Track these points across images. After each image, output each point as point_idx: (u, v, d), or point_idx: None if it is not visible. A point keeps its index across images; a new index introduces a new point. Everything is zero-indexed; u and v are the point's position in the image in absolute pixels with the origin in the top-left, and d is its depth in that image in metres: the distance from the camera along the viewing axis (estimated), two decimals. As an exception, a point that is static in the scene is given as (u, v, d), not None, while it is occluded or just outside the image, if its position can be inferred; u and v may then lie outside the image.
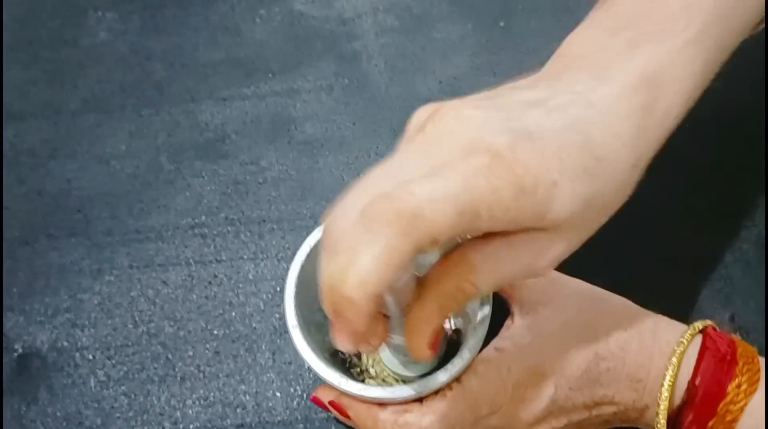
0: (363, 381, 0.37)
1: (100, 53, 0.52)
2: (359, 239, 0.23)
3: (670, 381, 0.31)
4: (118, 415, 0.40)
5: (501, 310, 0.34)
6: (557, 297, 0.34)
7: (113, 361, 0.42)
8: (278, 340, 0.42)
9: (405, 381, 0.35)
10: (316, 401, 0.36)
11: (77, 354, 0.42)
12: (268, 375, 0.41)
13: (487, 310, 0.32)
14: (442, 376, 0.31)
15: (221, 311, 0.43)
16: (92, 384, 0.41)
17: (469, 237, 0.27)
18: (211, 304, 0.43)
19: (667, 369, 0.31)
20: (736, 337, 0.33)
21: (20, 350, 0.42)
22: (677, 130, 0.46)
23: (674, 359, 0.31)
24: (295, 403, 0.40)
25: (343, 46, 0.51)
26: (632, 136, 0.27)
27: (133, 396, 0.41)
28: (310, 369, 0.35)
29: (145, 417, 0.40)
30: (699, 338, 0.32)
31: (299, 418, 0.40)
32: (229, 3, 0.53)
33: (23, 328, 0.43)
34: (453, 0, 0.51)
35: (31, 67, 0.51)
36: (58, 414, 0.41)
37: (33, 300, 0.44)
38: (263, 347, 0.42)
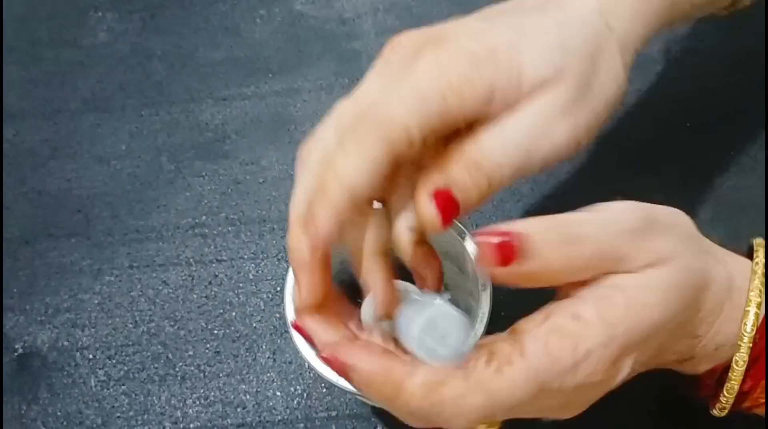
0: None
1: (100, 53, 0.52)
2: (335, 153, 0.27)
3: (750, 335, 0.27)
4: (118, 414, 0.40)
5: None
6: (665, 254, 0.26)
7: (114, 361, 0.42)
8: (278, 340, 0.42)
9: None
10: (298, 328, 0.28)
11: (77, 354, 0.42)
12: (268, 374, 0.41)
13: (485, 308, 0.32)
14: None
15: (221, 311, 0.43)
16: (93, 383, 0.41)
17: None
18: (212, 303, 0.43)
19: (746, 316, 0.27)
20: None
21: (21, 350, 0.42)
22: (677, 131, 0.46)
23: (753, 304, 0.27)
24: (295, 402, 0.40)
25: (343, 46, 0.51)
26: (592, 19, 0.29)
27: (133, 395, 0.41)
28: (310, 368, 0.35)
29: (145, 416, 0.40)
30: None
31: (299, 417, 0.40)
32: (229, 3, 0.53)
33: (24, 327, 0.43)
34: (454, 0, 0.51)
35: (32, 67, 0.52)
36: (59, 413, 0.41)
37: (33, 300, 0.44)
38: (264, 347, 0.42)
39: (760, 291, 0.27)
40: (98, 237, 0.45)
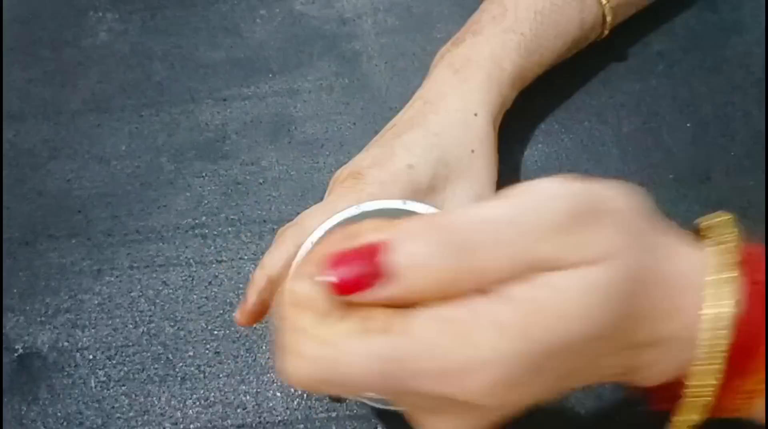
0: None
1: (100, 53, 0.52)
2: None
3: (709, 330, 0.22)
4: (118, 415, 0.40)
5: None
6: (600, 252, 0.22)
7: (114, 362, 0.42)
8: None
9: None
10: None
11: (78, 354, 0.42)
12: (268, 375, 0.41)
13: None
14: None
15: (222, 311, 0.43)
16: (93, 384, 0.41)
17: None
18: (212, 304, 0.43)
19: (705, 318, 0.23)
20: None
21: (21, 350, 0.42)
22: (678, 131, 0.46)
23: (712, 303, 0.22)
24: (295, 403, 0.40)
25: (343, 46, 0.51)
26: (456, 102, 0.39)
27: (133, 396, 0.41)
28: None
29: (145, 417, 0.40)
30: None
31: (300, 418, 0.40)
32: (230, 3, 0.53)
33: (24, 328, 0.43)
34: (453, 0, 0.51)
35: (32, 67, 0.51)
36: (59, 414, 0.41)
37: (33, 300, 0.44)
38: (264, 347, 0.42)
39: (716, 288, 0.23)
40: (98, 237, 0.45)
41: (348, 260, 0.20)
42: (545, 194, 0.21)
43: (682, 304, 0.23)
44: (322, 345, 0.20)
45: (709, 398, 0.23)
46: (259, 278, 0.35)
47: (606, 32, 0.44)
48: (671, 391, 0.24)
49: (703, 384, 0.23)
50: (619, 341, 0.22)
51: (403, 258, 0.20)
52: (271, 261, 0.35)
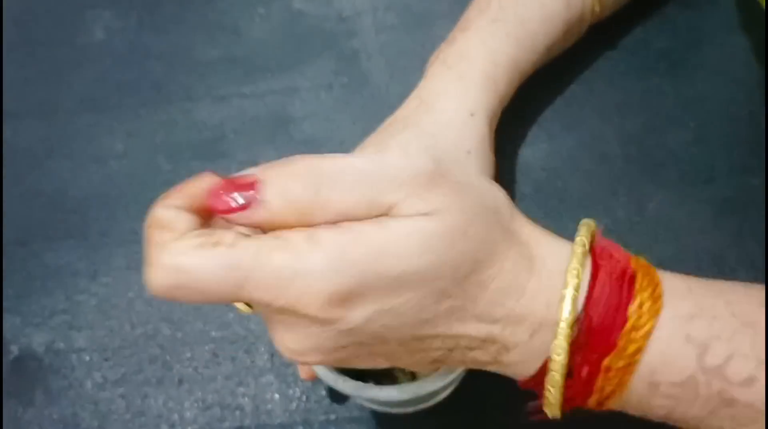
0: (361, 380, 0.37)
1: (97, 52, 0.51)
2: None
3: (571, 313, 0.24)
4: (115, 417, 0.40)
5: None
6: (441, 207, 0.25)
7: (110, 363, 0.41)
8: (277, 342, 0.41)
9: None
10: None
11: (74, 356, 0.42)
12: (266, 377, 0.41)
13: None
14: (439, 381, 0.31)
15: (219, 313, 0.42)
16: (89, 386, 0.41)
17: None
18: (209, 305, 0.43)
19: (563, 299, 0.25)
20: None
21: (16, 352, 0.42)
22: (681, 130, 0.45)
23: (570, 287, 0.25)
24: (293, 405, 0.40)
25: (342, 44, 0.50)
26: (453, 101, 0.39)
27: (130, 398, 0.40)
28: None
29: (142, 419, 0.40)
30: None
31: (298, 420, 0.39)
32: (228, 1, 0.53)
33: (19, 329, 0.43)
34: (453, -2, 0.51)
35: (28, 66, 0.51)
36: (55, 416, 0.40)
37: (29, 301, 0.43)
38: (261, 349, 0.41)
39: (578, 272, 0.25)
40: (95, 238, 0.45)
41: (229, 188, 0.24)
42: (411, 155, 0.25)
43: (534, 285, 0.25)
44: (177, 255, 0.23)
45: (565, 368, 0.25)
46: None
47: (597, 9, 0.43)
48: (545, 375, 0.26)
49: (560, 357, 0.25)
50: (462, 303, 0.24)
51: (270, 190, 0.23)
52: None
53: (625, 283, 0.25)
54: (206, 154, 0.47)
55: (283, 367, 0.41)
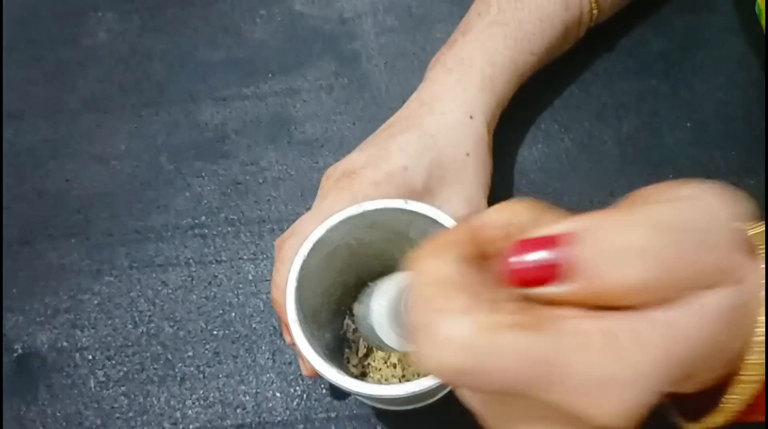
0: (361, 377, 0.37)
1: (99, 53, 0.52)
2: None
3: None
4: (117, 415, 0.40)
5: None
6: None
7: (113, 362, 0.42)
8: (278, 341, 0.42)
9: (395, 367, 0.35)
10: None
11: (77, 354, 0.42)
12: (267, 375, 0.41)
13: None
14: (438, 379, 0.31)
15: (221, 312, 0.43)
16: (92, 384, 0.41)
17: None
18: (211, 304, 0.43)
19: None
20: None
21: (20, 350, 0.42)
22: (678, 131, 0.46)
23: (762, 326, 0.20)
24: (294, 403, 0.40)
25: (343, 46, 0.51)
26: (452, 103, 0.39)
27: (132, 396, 0.41)
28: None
29: (144, 417, 0.40)
30: None
31: (299, 418, 0.40)
32: (229, 3, 0.53)
33: (23, 328, 0.43)
34: (453, 0, 0.51)
35: (31, 67, 0.51)
36: (58, 414, 0.41)
37: (33, 300, 0.44)
38: (263, 348, 0.42)
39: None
40: (98, 237, 0.45)
41: (530, 247, 0.18)
42: (717, 202, 0.19)
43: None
44: (477, 331, 0.17)
45: (742, 406, 0.22)
46: (281, 300, 0.33)
47: (595, 12, 0.44)
48: (705, 398, 0.23)
49: (742, 393, 0.21)
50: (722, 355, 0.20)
51: (594, 260, 0.17)
52: (282, 279, 0.34)
53: None
54: (208, 154, 0.48)
55: (284, 366, 0.41)
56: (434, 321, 0.18)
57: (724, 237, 0.18)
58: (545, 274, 0.18)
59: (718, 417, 0.23)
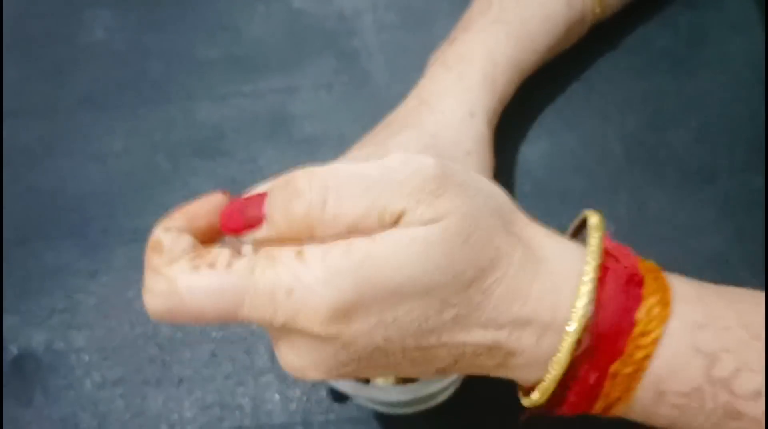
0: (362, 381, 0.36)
1: (96, 51, 0.51)
2: None
3: (584, 312, 0.24)
4: (114, 417, 0.40)
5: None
6: (445, 213, 0.24)
7: (109, 363, 0.41)
8: (277, 342, 0.41)
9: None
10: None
11: (73, 355, 0.42)
12: (266, 377, 0.40)
13: None
14: (440, 382, 0.31)
15: (219, 312, 0.42)
16: (88, 386, 0.41)
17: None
18: (209, 305, 0.42)
19: (574, 304, 0.24)
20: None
21: (15, 352, 0.42)
22: (683, 129, 0.45)
23: (586, 287, 0.24)
24: (293, 405, 0.40)
25: (342, 43, 0.50)
26: (453, 101, 0.39)
27: (129, 398, 0.40)
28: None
29: (141, 420, 0.40)
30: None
31: (298, 420, 0.39)
32: (227, 0, 0.53)
33: (18, 329, 0.42)
34: (454, -4, 0.51)
35: (28, 64, 0.51)
36: (54, 416, 0.40)
37: (28, 301, 0.43)
38: (261, 349, 0.41)
39: (593, 280, 0.24)
40: (94, 237, 0.45)
41: (235, 207, 0.25)
42: (415, 158, 0.24)
43: (536, 287, 0.24)
44: (165, 281, 0.23)
45: (570, 361, 0.25)
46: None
47: (598, 10, 0.43)
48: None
49: (567, 350, 0.24)
50: (466, 311, 0.24)
51: (275, 208, 0.24)
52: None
53: (633, 287, 0.25)
54: (206, 152, 0.47)
55: (282, 367, 0.41)
56: (146, 276, 0.24)
57: (410, 186, 0.23)
58: (244, 223, 0.24)
59: (545, 385, 0.25)
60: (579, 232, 0.29)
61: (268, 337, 0.41)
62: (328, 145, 0.47)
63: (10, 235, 0.45)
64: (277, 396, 0.40)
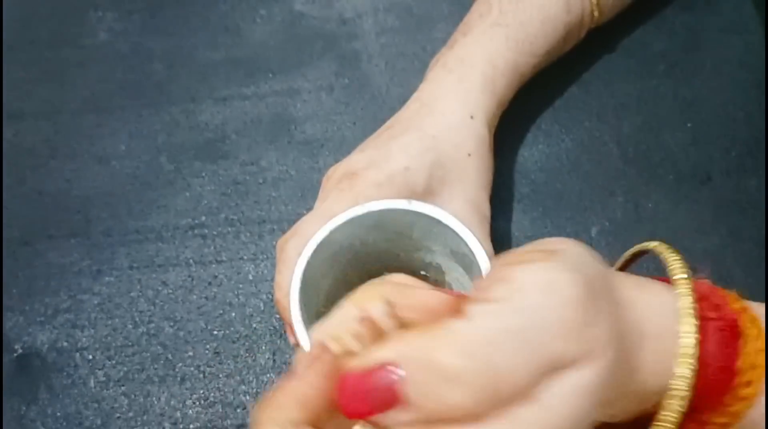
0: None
1: (100, 53, 0.52)
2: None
3: (687, 384, 0.22)
4: (118, 415, 0.40)
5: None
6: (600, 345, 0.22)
7: (113, 362, 0.42)
8: (278, 341, 0.42)
9: None
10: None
11: (77, 354, 0.42)
12: (268, 375, 0.41)
13: None
14: None
15: (221, 312, 0.43)
16: (92, 384, 0.41)
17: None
18: (211, 304, 0.43)
19: (677, 372, 0.22)
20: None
21: (20, 350, 0.42)
22: (679, 131, 0.46)
23: (687, 355, 0.22)
24: (295, 403, 0.40)
25: (343, 46, 0.51)
26: (453, 104, 0.39)
27: (133, 396, 0.41)
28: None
29: (145, 417, 0.40)
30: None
31: (299, 418, 0.40)
32: (230, 3, 0.53)
33: (23, 328, 0.43)
34: (453, 0, 0.51)
35: (32, 66, 0.51)
36: (58, 414, 0.41)
37: (33, 300, 0.44)
38: (263, 348, 0.42)
39: (694, 345, 0.22)
40: (98, 237, 0.45)
41: (358, 382, 0.19)
42: (542, 286, 0.20)
43: (648, 357, 0.23)
44: None
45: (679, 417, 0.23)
46: (284, 301, 0.33)
47: (597, 14, 0.44)
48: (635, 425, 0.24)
49: (670, 416, 0.23)
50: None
51: (420, 391, 0.18)
52: (285, 280, 0.34)
53: (734, 336, 0.23)
54: (208, 154, 0.48)
55: (284, 366, 0.41)
56: None
57: (565, 321, 0.19)
58: (376, 407, 0.18)
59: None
60: (634, 260, 0.28)
61: (269, 336, 0.42)
62: (328, 146, 0.47)
63: (15, 236, 0.46)
64: (278, 394, 0.40)
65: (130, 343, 0.42)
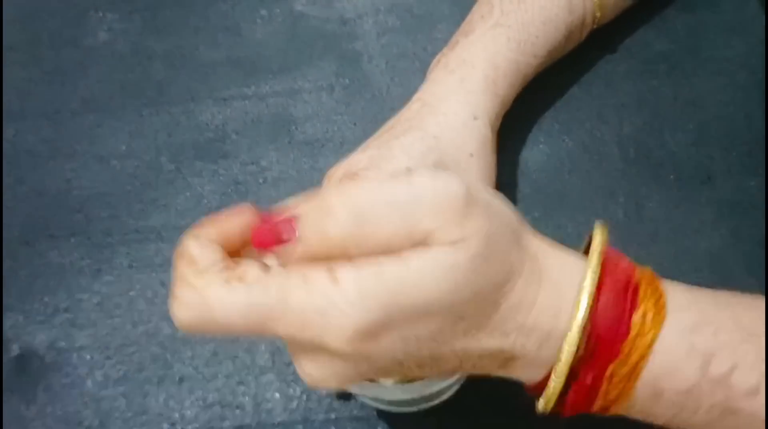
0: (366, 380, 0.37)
1: (100, 53, 0.52)
2: None
3: (582, 321, 0.25)
4: (116, 415, 0.40)
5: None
6: (470, 234, 0.25)
7: (112, 362, 0.42)
8: (277, 342, 0.41)
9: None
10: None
11: (76, 354, 0.42)
12: (267, 376, 0.41)
13: None
14: (444, 381, 0.31)
15: (221, 312, 0.43)
16: (91, 384, 0.41)
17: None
18: (211, 304, 0.43)
19: (576, 310, 0.25)
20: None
21: (19, 350, 0.42)
22: (680, 132, 0.46)
23: (585, 297, 0.25)
24: (294, 404, 0.40)
25: (344, 46, 0.51)
26: (455, 104, 0.39)
27: (131, 396, 0.41)
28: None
29: (143, 418, 0.40)
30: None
31: (298, 419, 0.40)
32: (230, 3, 0.53)
33: (22, 327, 0.43)
34: (454, 0, 0.51)
35: (32, 66, 0.51)
36: (57, 414, 0.40)
37: (32, 300, 0.44)
38: (262, 348, 0.41)
39: (592, 287, 0.26)
40: (97, 237, 0.45)
41: (267, 224, 0.25)
42: (441, 180, 0.24)
43: (541, 297, 0.26)
44: (195, 292, 0.24)
45: (571, 366, 0.26)
46: None
47: (599, 14, 0.44)
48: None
49: (567, 359, 0.25)
50: (482, 324, 0.25)
51: (307, 226, 0.24)
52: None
53: (630, 292, 0.26)
54: (208, 154, 0.47)
55: (283, 366, 0.41)
56: (174, 286, 0.24)
57: (442, 206, 0.23)
58: (276, 241, 0.24)
59: (548, 394, 0.26)
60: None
61: (269, 337, 0.42)
62: (329, 146, 0.47)
63: (15, 235, 0.45)
64: (277, 395, 0.40)
65: (129, 343, 0.42)
